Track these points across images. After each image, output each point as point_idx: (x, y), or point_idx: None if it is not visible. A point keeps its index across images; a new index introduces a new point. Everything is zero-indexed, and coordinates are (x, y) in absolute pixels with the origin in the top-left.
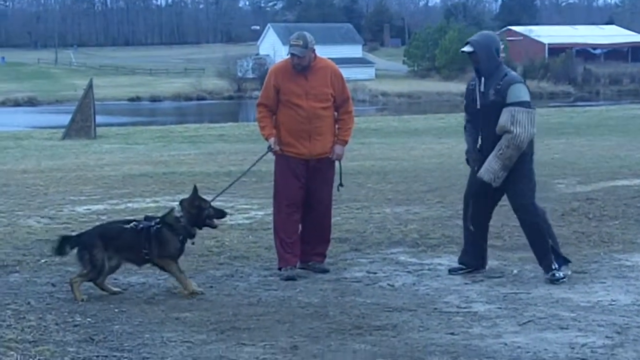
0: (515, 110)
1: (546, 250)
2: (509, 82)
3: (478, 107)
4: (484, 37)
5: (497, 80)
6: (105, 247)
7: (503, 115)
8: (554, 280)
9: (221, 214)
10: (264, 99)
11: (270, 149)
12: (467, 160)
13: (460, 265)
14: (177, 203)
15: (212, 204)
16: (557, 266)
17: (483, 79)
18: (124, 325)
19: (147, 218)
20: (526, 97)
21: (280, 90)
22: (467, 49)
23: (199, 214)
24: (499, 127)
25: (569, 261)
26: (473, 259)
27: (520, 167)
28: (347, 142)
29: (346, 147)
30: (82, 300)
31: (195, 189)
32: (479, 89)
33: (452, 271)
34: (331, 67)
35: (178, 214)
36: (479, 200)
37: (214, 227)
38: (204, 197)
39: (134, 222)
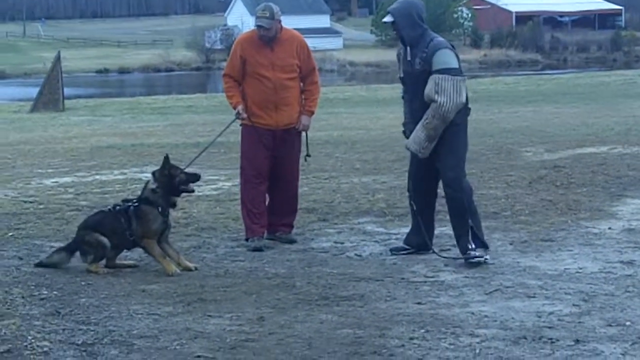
0: (440, 78)
1: (465, 231)
2: (434, 49)
3: (405, 76)
4: (403, 3)
5: (423, 47)
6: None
7: (428, 83)
8: (470, 259)
9: (194, 177)
10: (230, 70)
11: (237, 115)
12: (404, 132)
13: (404, 246)
14: (151, 175)
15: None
16: (473, 246)
17: (409, 48)
18: (90, 298)
19: (125, 201)
20: (453, 64)
21: (246, 61)
22: (387, 19)
23: (171, 181)
24: (425, 96)
25: (487, 247)
26: (419, 239)
27: (450, 140)
28: (314, 113)
29: (313, 117)
30: (101, 273)
31: (166, 158)
32: (406, 58)
33: (394, 251)
34: (297, 37)
35: (153, 185)
36: (423, 177)
37: (191, 191)
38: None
39: (111, 206)
